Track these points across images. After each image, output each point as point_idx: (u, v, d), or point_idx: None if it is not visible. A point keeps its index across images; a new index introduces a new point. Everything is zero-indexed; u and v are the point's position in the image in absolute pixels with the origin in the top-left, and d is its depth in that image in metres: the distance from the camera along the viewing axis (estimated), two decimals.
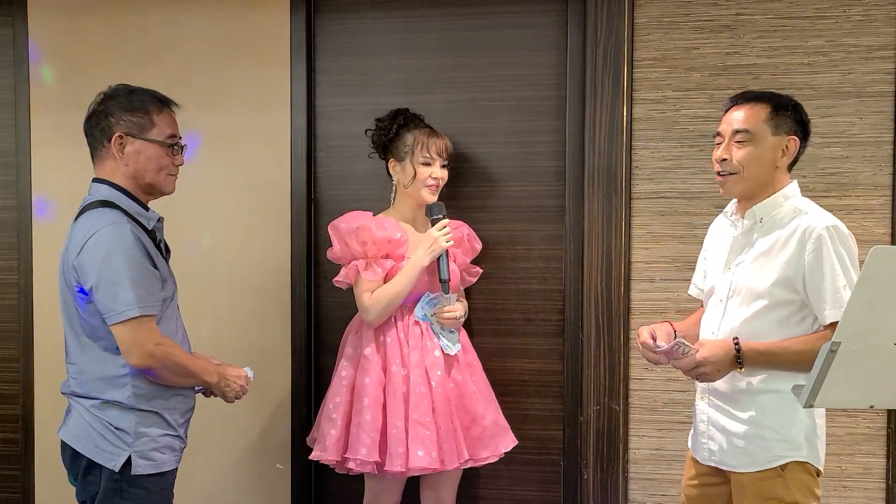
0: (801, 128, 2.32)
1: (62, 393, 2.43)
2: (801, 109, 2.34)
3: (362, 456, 2.75)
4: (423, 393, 2.80)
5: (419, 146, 2.88)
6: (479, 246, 3.11)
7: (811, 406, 1.67)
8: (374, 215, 2.92)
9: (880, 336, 1.60)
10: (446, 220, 2.86)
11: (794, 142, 2.29)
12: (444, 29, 3.26)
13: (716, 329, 2.37)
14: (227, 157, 3.33)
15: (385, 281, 2.85)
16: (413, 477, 2.93)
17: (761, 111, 2.30)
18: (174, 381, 2.37)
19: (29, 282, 3.42)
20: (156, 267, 2.34)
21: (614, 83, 3.08)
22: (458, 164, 3.20)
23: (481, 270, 3.13)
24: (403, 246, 2.87)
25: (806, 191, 2.71)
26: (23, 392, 3.44)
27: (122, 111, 2.37)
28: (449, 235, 2.83)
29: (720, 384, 2.33)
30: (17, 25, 3.40)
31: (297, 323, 3.29)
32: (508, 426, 2.98)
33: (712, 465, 2.37)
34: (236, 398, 2.51)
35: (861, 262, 1.69)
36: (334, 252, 2.91)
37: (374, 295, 2.82)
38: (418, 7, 3.26)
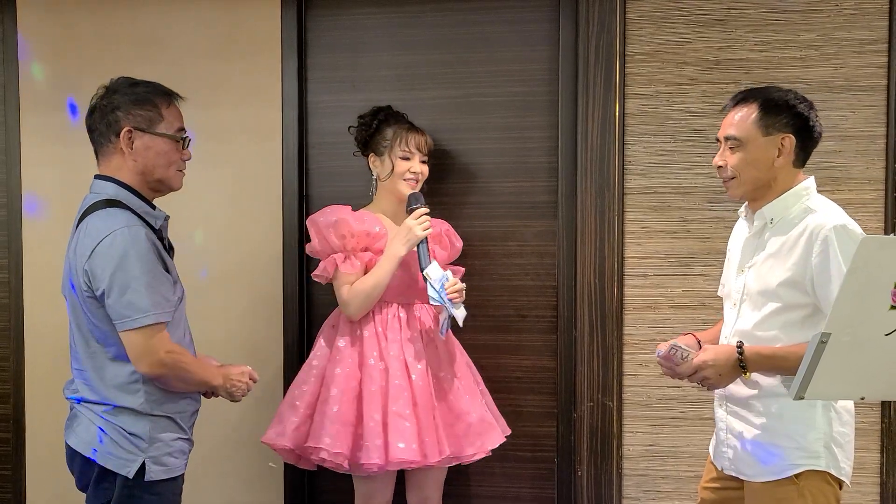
0: (799, 122, 2.22)
1: (68, 398, 2.37)
2: (798, 103, 2.24)
3: (325, 445, 2.69)
4: (401, 385, 2.76)
5: (398, 140, 2.87)
6: (459, 244, 3.06)
7: (801, 398, 1.66)
8: (353, 210, 2.91)
9: (870, 327, 1.59)
10: (424, 209, 2.82)
11: (788, 140, 2.20)
12: (436, 25, 3.24)
13: (729, 333, 2.31)
14: (218, 154, 3.31)
15: (364, 274, 2.83)
16: (400, 477, 2.92)
17: (750, 113, 2.23)
18: (182, 389, 2.33)
19: (19, 280, 3.41)
20: (167, 270, 2.30)
21: (606, 78, 3.07)
22: (449, 160, 3.20)
23: (463, 270, 3.07)
24: (382, 239, 2.85)
25: None
26: (14, 391, 3.42)
27: (129, 105, 2.29)
28: (426, 224, 2.78)
29: (737, 389, 2.26)
30: (7, 22, 3.38)
31: (288, 320, 3.28)
32: (495, 422, 2.91)
33: (732, 474, 2.31)
34: (243, 396, 2.46)
35: None
36: (313, 246, 2.89)
37: (352, 288, 2.80)
38: (410, 3, 3.25)
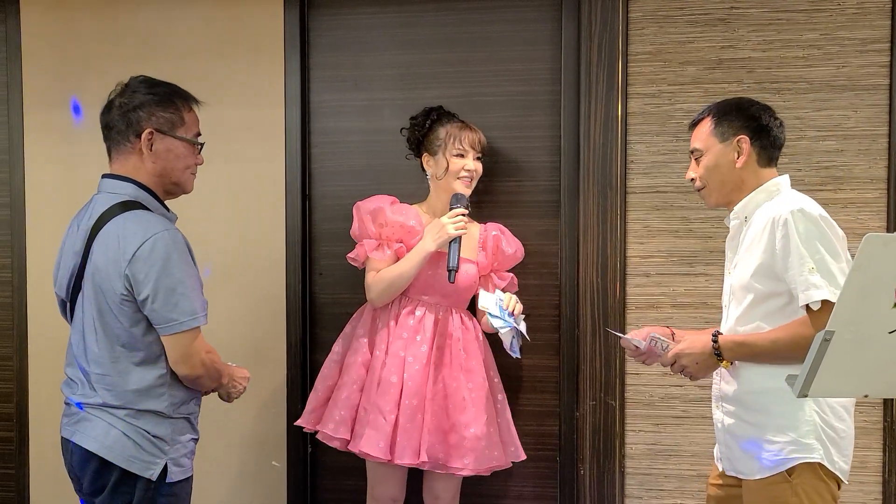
0: (753, 124, 2.31)
1: (79, 403, 2.27)
2: (750, 106, 2.34)
3: (329, 430, 2.84)
4: (392, 382, 2.80)
5: (451, 139, 2.90)
6: (511, 250, 3.00)
7: (805, 396, 1.66)
8: (402, 203, 2.97)
9: (874, 325, 1.59)
10: (462, 210, 2.84)
11: (744, 141, 2.29)
12: (439, 24, 3.25)
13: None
14: (221, 153, 3.30)
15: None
16: (419, 471, 2.94)
17: (707, 125, 2.35)
18: (206, 386, 2.35)
19: (23, 280, 3.41)
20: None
21: (609, 78, 3.07)
22: None
23: (511, 276, 3.04)
24: (417, 235, 2.89)
25: (801, 184, 2.72)
26: (17, 390, 3.43)
27: (152, 105, 2.25)
28: (459, 224, 2.80)
29: (727, 388, 2.31)
30: (10, 22, 3.39)
31: (291, 320, 3.28)
32: (497, 445, 2.89)
33: (731, 474, 2.34)
34: (235, 399, 2.50)
35: (852, 251, 1.70)
36: (354, 230, 2.98)
37: (377, 275, 2.87)
38: (412, 2, 3.26)
